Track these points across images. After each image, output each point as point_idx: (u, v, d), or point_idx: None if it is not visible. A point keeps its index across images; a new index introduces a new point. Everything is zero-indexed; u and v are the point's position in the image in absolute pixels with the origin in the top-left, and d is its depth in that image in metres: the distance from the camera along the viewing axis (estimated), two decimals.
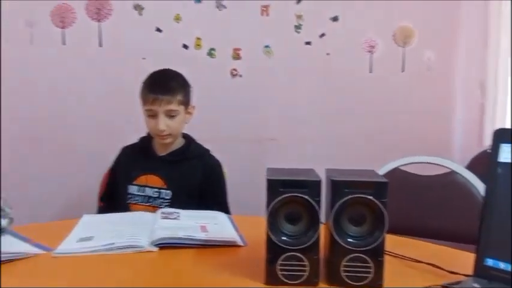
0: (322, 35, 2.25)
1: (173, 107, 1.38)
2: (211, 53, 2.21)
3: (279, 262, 0.78)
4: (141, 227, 1.07)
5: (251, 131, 2.25)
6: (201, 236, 1.01)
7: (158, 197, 1.41)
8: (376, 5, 2.25)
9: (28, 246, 0.96)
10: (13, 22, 2.07)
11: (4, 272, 0.85)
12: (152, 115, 1.39)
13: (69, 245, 0.97)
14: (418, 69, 2.32)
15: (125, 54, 2.15)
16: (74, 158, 2.13)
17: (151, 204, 1.41)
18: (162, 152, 1.47)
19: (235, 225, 1.12)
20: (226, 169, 1.52)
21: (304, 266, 0.78)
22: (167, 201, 1.41)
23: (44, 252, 0.94)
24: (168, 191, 1.41)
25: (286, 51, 2.24)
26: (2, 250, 0.90)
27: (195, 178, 1.43)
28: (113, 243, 0.96)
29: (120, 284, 0.82)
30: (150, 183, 1.42)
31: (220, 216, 1.20)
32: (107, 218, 1.20)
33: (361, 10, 2.25)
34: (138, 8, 2.16)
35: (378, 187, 0.77)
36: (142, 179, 1.43)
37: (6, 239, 1.00)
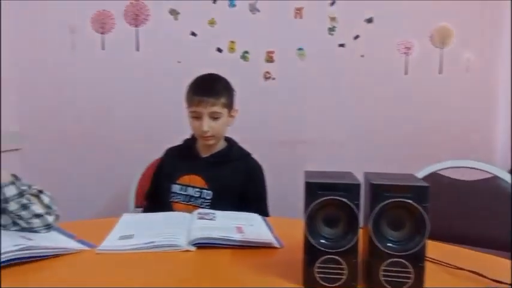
0: (357, 36, 2.23)
1: (217, 109, 1.42)
2: (244, 56, 2.23)
3: (317, 265, 0.78)
4: (178, 227, 1.10)
5: (285, 134, 2.25)
6: (237, 236, 1.02)
7: (199, 197, 1.44)
8: (412, 5, 2.20)
9: (73, 242, 1.01)
10: (57, 28, 2.17)
11: (51, 266, 0.89)
12: (197, 117, 1.43)
13: (111, 242, 1.01)
14: (456, 71, 2.24)
15: (160, 58, 2.21)
16: (113, 160, 2.21)
17: (192, 203, 1.44)
18: (205, 154, 1.51)
19: (271, 227, 1.13)
20: None
21: (342, 269, 0.78)
22: (208, 201, 1.43)
23: (88, 248, 0.98)
24: (209, 191, 1.44)
25: (320, 54, 2.22)
26: (50, 245, 0.94)
27: (236, 180, 1.45)
28: (153, 242, 0.99)
29: (160, 281, 0.84)
30: (192, 183, 1.46)
31: (255, 217, 1.22)
32: (146, 218, 1.24)
33: (396, 11, 2.20)
34: (174, 12, 2.21)
35: (419, 191, 0.76)
36: (185, 179, 1.47)
37: (53, 235, 1.05)
